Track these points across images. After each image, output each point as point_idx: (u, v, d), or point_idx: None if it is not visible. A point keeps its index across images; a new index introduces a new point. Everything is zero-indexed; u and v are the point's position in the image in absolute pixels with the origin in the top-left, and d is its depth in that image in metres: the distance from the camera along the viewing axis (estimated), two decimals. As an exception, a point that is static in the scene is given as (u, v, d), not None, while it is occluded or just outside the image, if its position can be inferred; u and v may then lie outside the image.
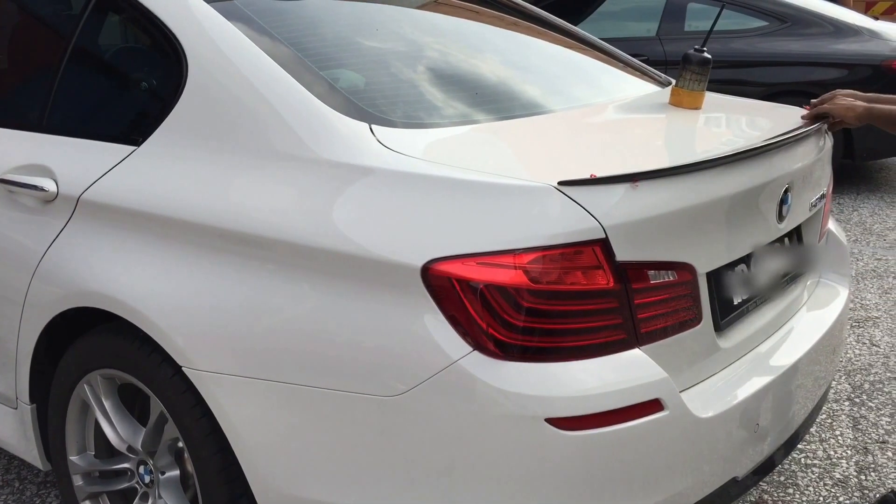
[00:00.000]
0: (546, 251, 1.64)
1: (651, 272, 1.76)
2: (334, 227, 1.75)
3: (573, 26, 2.98)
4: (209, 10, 2.08)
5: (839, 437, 3.01)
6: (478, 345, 1.65)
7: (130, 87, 2.25)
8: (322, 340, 1.76)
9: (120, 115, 2.21)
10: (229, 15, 2.07)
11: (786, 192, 2.11)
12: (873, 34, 6.36)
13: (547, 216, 1.66)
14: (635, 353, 1.73)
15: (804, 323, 2.31)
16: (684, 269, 1.82)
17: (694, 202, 1.83)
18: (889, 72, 5.99)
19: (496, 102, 2.19)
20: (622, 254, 1.70)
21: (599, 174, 1.69)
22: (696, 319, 1.87)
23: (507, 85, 2.33)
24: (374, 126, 1.88)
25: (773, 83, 6.32)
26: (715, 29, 6.41)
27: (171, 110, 2.04)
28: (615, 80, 2.65)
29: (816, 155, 2.30)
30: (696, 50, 2.39)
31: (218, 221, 1.87)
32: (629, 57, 2.89)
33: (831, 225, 2.65)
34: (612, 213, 1.68)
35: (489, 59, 2.47)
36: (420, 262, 1.66)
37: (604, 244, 1.68)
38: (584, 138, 2.10)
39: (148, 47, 2.23)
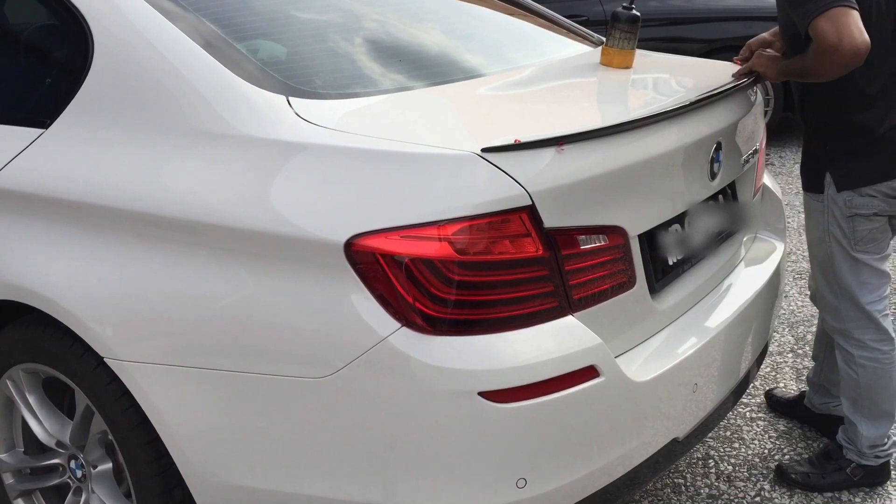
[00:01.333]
0: (472, 221, 1.60)
1: (581, 237, 1.73)
2: (252, 205, 1.68)
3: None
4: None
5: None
6: (406, 320, 1.61)
7: (33, 65, 2.14)
8: (249, 324, 1.70)
9: (23, 96, 2.10)
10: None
11: (716, 149, 2.08)
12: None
13: (471, 185, 1.61)
14: (568, 321, 1.70)
15: (741, 280, 2.31)
16: (615, 232, 1.79)
17: (622, 164, 1.79)
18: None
19: (421, 69, 2.13)
20: (550, 220, 1.66)
21: (524, 139, 1.65)
22: (629, 283, 1.85)
23: (433, 51, 2.27)
24: (291, 98, 1.80)
25: (712, 39, 6.32)
26: (653, -14, 6.41)
27: (78, 89, 1.94)
28: (546, 41, 2.60)
29: (746, 110, 2.28)
30: (624, 7, 2.35)
31: (131, 204, 1.79)
32: (560, 17, 2.83)
33: (766, 180, 2.65)
34: (538, 178, 1.64)
35: (415, 24, 2.39)
36: (343, 239, 1.61)
37: (531, 211, 1.64)
38: (510, 103, 2.05)
39: (49, 22, 2.12)
